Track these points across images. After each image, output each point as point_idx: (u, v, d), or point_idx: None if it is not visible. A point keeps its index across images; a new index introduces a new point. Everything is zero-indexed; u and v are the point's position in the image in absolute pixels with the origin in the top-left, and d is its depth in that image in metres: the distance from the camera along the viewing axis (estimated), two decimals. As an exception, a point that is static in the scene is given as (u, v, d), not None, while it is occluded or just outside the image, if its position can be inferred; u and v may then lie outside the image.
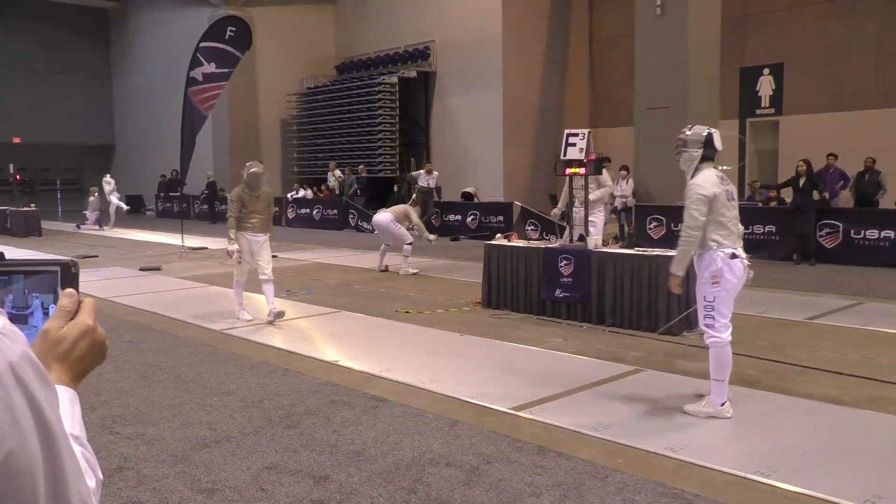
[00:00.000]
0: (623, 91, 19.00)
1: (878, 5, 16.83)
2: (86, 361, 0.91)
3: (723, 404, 4.65)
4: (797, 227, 12.01)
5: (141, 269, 12.10)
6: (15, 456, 0.63)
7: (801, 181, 12.00)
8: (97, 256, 14.05)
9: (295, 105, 25.24)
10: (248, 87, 23.87)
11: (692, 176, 4.79)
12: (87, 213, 20.87)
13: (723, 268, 4.61)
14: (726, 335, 4.64)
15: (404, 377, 5.65)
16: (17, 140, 28.31)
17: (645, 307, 7.19)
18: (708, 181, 4.69)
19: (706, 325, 4.67)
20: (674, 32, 14.42)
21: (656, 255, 7.27)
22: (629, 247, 8.48)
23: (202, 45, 13.70)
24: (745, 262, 4.66)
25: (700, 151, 4.77)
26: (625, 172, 15.24)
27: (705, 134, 4.75)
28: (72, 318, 0.90)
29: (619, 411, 4.86)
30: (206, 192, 23.09)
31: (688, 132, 4.84)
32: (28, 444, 0.64)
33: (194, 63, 13.61)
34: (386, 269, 11.51)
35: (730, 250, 4.62)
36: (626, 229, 14.78)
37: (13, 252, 14.52)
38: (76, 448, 0.83)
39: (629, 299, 7.32)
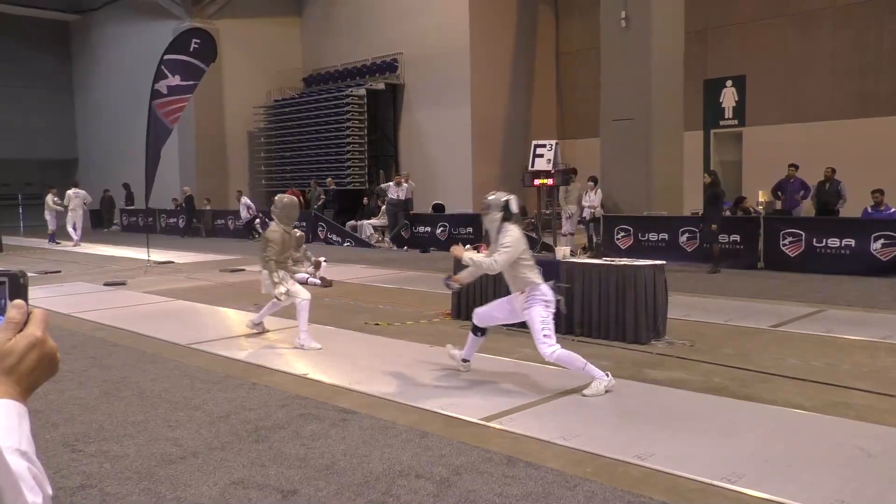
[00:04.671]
0: (589, 103, 19.21)
1: (833, 21, 17.29)
2: (35, 374, 0.89)
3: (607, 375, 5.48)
4: (703, 237, 12.56)
5: (106, 284, 11.91)
6: None
7: (706, 193, 12.44)
8: (60, 272, 13.79)
9: (262, 118, 25.11)
10: (214, 99, 23.70)
11: (497, 233, 5.68)
12: (68, 228, 20.14)
13: (550, 297, 5.62)
14: (558, 346, 5.50)
15: (374, 389, 5.62)
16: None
17: (613, 317, 7.24)
18: (515, 235, 5.63)
19: (545, 337, 5.47)
20: (638, 45, 14.63)
21: (624, 264, 7.34)
22: (597, 257, 8.56)
23: (166, 57, 13.57)
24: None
25: (500, 214, 5.70)
26: (592, 184, 15.39)
27: (503, 200, 5.72)
28: (20, 330, 0.88)
29: (587, 420, 4.89)
30: (184, 206, 22.90)
31: (490, 198, 5.80)
32: None
33: (158, 75, 13.46)
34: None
35: (544, 287, 5.64)
36: (595, 239, 14.91)
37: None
38: (22, 464, 0.81)
39: (598, 309, 7.37)
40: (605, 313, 7.32)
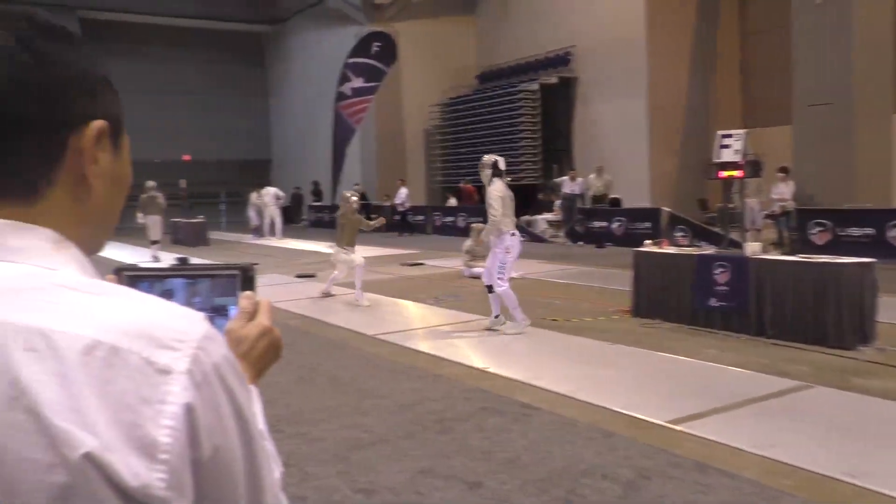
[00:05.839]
0: (778, 88, 17.95)
1: None
2: (265, 360, 0.94)
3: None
4: None
5: (297, 276, 12.72)
6: (221, 451, 0.65)
7: None
8: (258, 264, 14.89)
9: (438, 115, 25.75)
10: (393, 99, 24.60)
11: (489, 185, 7.43)
12: (263, 224, 21.97)
13: (509, 244, 7.29)
14: (507, 285, 7.33)
15: (553, 385, 5.58)
16: (186, 158, 30.69)
17: (811, 318, 6.71)
18: (500, 188, 7.38)
19: (499, 279, 7.28)
20: (837, 22, 13.44)
21: (824, 262, 6.79)
22: (790, 253, 7.97)
23: (350, 61, 14.28)
24: (519, 237, 7.53)
25: (491, 171, 7.47)
26: (783, 175, 14.36)
27: (493, 160, 7.54)
28: (251, 319, 0.93)
29: (785, 429, 4.56)
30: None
31: (484, 158, 7.66)
32: (231, 440, 0.67)
33: (343, 79, 14.20)
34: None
35: (513, 230, 7.35)
36: (786, 235, 13.90)
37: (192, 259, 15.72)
38: (266, 443, 0.87)
39: (792, 309, 6.86)
40: (800, 314, 6.79)
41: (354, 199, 10.16)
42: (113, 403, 0.61)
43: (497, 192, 7.31)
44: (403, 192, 21.20)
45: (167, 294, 0.96)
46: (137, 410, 0.61)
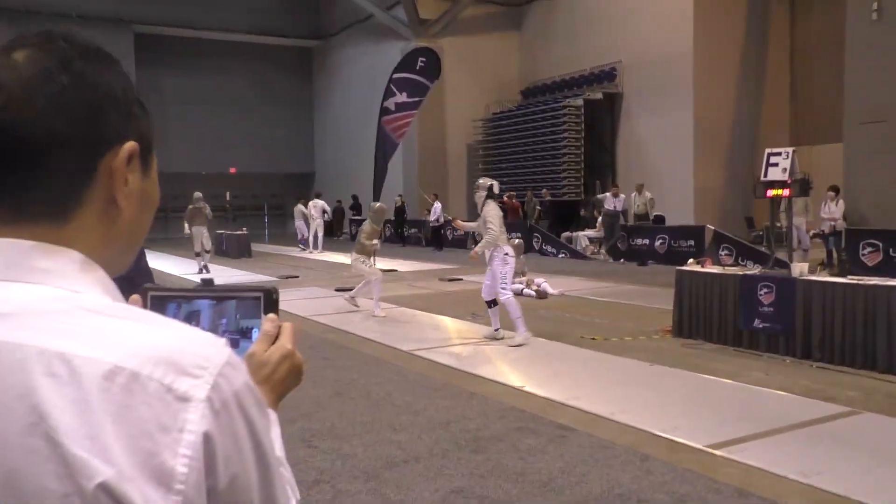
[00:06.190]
0: (829, 105, 17.56)
1: None
2: (286, 384, 0.94)
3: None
4: None
5: (336, 290, 12.79)
6: (238, 480, 0.65)
7: None
8: (298, 277, 15.07)
9: (481, 130, 25.79)
10: (436, 114, 24.72)
11: (481, 207, 7.97)
12: (308, 236, 22.27)
13: (507, 256, 7.80)
14: (510, 294, 7.78)
15: (591, 406, 5.49)
16: (233, 170, 31.24)
17: (860, 341, 6.50)
18: (494, 208, 7.94)
19: (502, 289, 7.71)
20: (892, 38, 13.11)
21: (873, 284, 6.57)
22: (840, 274, 7.74)
23: (395, 76, 14.38)
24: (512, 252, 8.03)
25: (486, 193, 7.99)
26: (833, 194, 14.00)
27: (489, 184, 8.08)
28: (273, 343, 0.92)
29: (831, 457, 4.41)
30: (394, 217, 24.10)
31: (480, 181, 8.24)
32: (248, 469, 0.66)
33: (387, 93, 14.31)
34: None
35: (508, 248, 7.89)
36: (836, 255, 13.52)
37: (227, 274, 15.97)
38: (282, 470, 0.86)
39: (841, 332, 6.65)
40: (849, 338, 6.59)
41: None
42: (131, 431, 0.61)
43: (494, 212, 7.92)
44: (437, 207, 21.30)
45: (194, 315, 0.96)
46: (155, 438, 0.61)
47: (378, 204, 10.68)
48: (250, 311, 0.96)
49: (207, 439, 0.62)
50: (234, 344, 0.95)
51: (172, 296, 0.97)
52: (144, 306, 0.97)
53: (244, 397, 0.66)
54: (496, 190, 8.15)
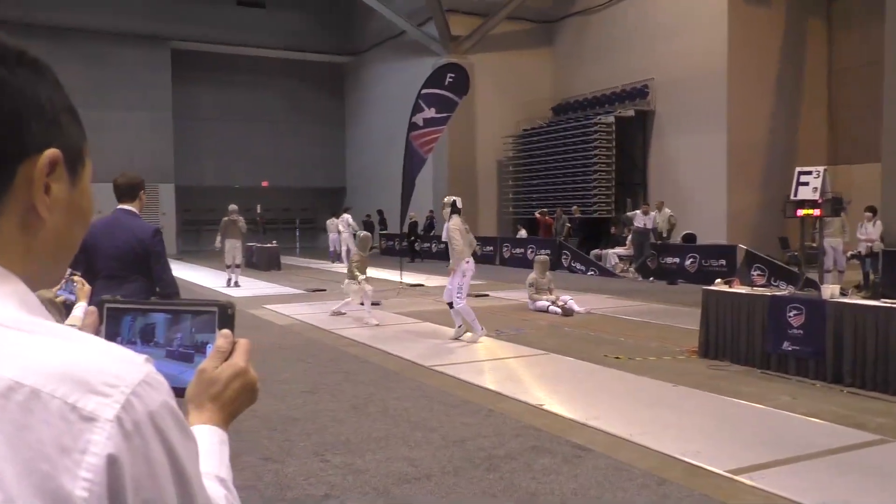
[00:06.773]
0: (867, 124, 17.21)
1: None
2: (237, 402, 0.91)
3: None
4: None
5: (360, 304, 12.78)
6: None
7: None
8: (325, 290, 15.11)
9: (511, 147, 25.73)
10: (466, 130, 24.72)
11: (448, 220, 8.92)
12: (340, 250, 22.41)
13: (465, 269, 8.74)
14: (464, 302, 8.81)
15: (610, 427, 5.38)
16: (265, 184, 31.58)
17: (893, 367, 6.29)
18: (457, 223, 8.80)
19: (458, 297, 8.73)
20: (931, 57, 12.82)
21: (908, 307, 6.36)
22: (874, 297, 7.53)
23: (423, 91, 14.42)
24: (473, 262, 9.00)
25: (450, 209, 8.90)
26: (870, 214, 13.69)
27: (452, 200, 9.05)
28: (226, 359, 0.90)
29: (858, 487, 4.24)
30: (407, 231, 24.06)
31: (445, 199, 9.19)
32: (165, 495, 0.62)
33: (416, 109, 14.34)
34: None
35: (468, 258, 8.79)
36: (871, 277, 13.20)
37: (254, 286, 16.05)
38: (220, 490, 0.82)
39: (874, 357, 6.45)
40: (882, 363, 6.38)
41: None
42: (27, 452, 0.57)
43: (455, 226, 8.73)
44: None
45: (149, 328, 0.95)
46: (53, 461, 0.57)
47: (363, 233, 12.05)
48: (206, 326, 0.94)
49: (113, 462, 0.58)
50: (189, 358, 0.93)
51: (128, 308, 0.96)
52: (100, 318, 0.95)
53: (161, 418, 0.62)
54: (459, 205, 9.02)
